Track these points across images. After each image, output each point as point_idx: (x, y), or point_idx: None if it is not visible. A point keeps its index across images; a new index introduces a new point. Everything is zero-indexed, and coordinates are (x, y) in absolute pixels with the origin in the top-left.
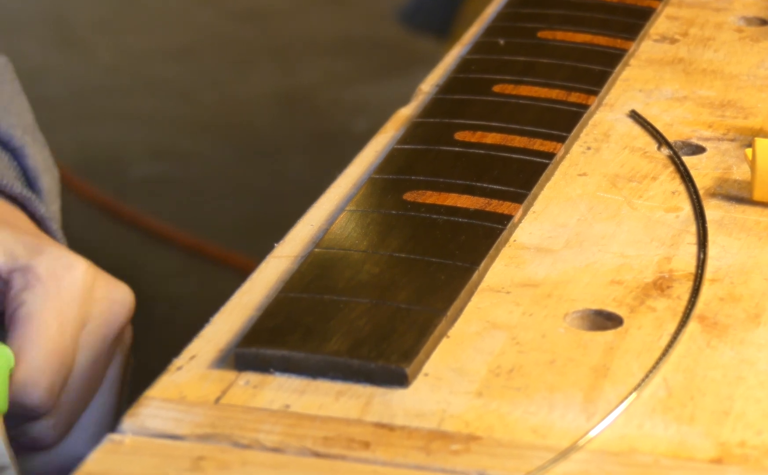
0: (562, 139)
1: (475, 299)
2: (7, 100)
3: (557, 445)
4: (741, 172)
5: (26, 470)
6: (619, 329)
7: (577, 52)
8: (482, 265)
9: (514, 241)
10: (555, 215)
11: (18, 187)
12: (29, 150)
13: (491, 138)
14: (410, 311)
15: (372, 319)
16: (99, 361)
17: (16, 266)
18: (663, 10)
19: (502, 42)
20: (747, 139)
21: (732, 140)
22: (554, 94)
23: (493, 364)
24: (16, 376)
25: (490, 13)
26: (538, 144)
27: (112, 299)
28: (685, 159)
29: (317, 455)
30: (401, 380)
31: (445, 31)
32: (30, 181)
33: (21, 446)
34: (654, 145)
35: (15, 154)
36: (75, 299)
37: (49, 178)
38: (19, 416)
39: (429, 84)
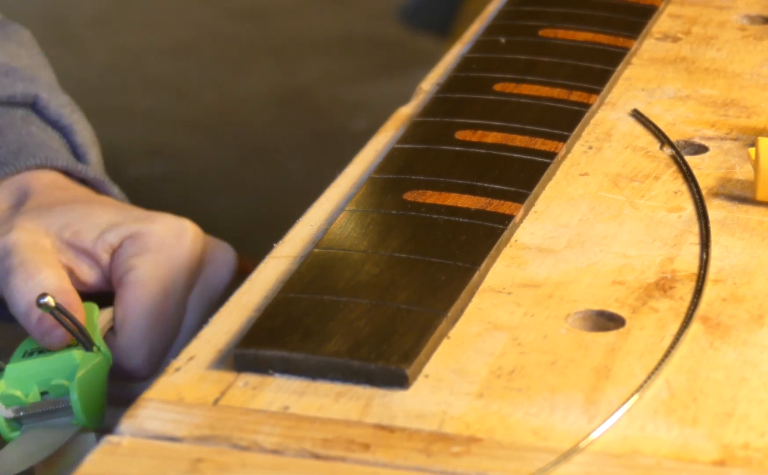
0: (563, 139)
1: (476, 299)
2: (47, 76)
3: (558, 447)
4: (744, 172)
5: None
6: (621, 330)
7: (579, 50)
8: (483, 265)
9: (516, 241)
10: (556, 215)
11: (92, 172)
12: (77, 126)
13: (492, 137)
14: (410, 312)
15: (372, 320)
16: (207, 321)
17: (128, 233)
18: (665, 8)
19: (503, 40)
20: (750, 138)
21: (735, 139)
22: (556, 93)
23: (494, 365)
24: (119, 341)
25: (491, 11)
26: (539, 143)
27: (218, 261)
28: (688, 158)
29: (317, 456)
30: (401, 382)
31: (446, 29)
32: (79, 158)
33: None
34: (656, 144)
35: (64, 132)
36: (183, 267)
37: (96, 152)
38: (124, 378)
39: (429, 83)
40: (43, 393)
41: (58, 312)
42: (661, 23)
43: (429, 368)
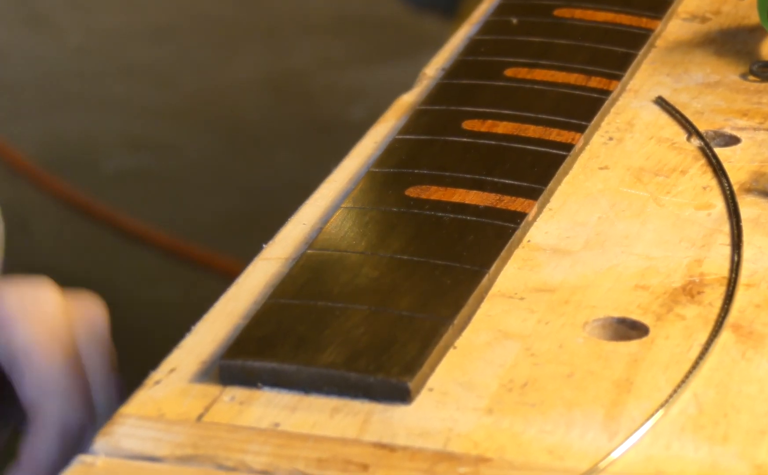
0: (581, 129)
1: (484, 305)
2: None
3: (576, 467)
4: None
5: None
6: (645, 339)
7: (598, 32)
8: (493, 268)
9: (528, 241)
10: (573, 213)
11: None
12: None
13: (503, 127)
14: (413, 319)
15: (371, 328)
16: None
17: None
18: None
19: (514, 21)
20: None
21: None
22: (573, 78)
23: (504, 378)
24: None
25: None
26: (554, 134)
27: (89, 317)
28: (718, 151)
29: None
30: (403, 396)
31: (452, 9)
32: None
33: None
34: (683, 135)
35: None
36: (59, 320)
37: None
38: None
39: (434, 68)
40: None
41: None
42: (688, 2)
43: (433, 380)
